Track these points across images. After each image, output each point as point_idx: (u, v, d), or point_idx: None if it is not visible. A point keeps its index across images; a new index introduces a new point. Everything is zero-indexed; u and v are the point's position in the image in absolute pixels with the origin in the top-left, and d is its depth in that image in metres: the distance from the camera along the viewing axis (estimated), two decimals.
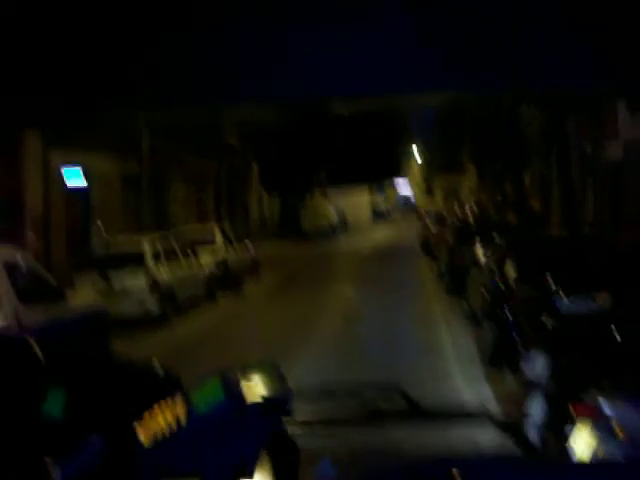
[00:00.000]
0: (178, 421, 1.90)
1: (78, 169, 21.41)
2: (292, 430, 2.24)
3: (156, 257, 16.34)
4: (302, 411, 2.48)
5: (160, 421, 1.93)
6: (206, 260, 19.50)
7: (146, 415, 2.01)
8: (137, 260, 16.03)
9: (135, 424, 2.00)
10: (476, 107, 33.00)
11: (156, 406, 2.02)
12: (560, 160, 22.88)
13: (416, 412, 2.61)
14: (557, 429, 6.07)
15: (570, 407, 5.59)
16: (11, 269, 9.81)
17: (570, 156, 22.74)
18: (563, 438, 5.77)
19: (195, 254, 18.75)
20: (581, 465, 2.67)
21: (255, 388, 1.90)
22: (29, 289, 10.14)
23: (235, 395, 1.86)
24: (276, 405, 1.88)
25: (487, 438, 4.54)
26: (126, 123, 19.63)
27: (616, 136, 19.75)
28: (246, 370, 2.03)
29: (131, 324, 14.87)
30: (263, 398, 1.86)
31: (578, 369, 6.50)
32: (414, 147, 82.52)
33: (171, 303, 16.33)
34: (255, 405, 1.85)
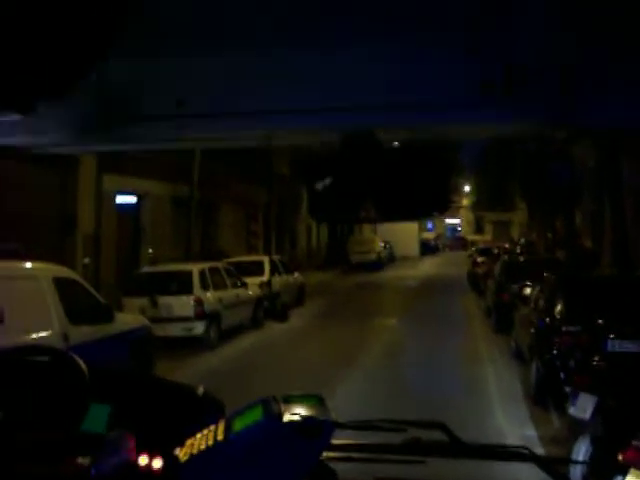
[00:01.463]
0: (219, 447, 1.88)
1: (130, 193, 21.83)
2: (328, 456, 2.20)
3: (204, 285, 16.46)
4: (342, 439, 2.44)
5: (201, 446, 1.92)
6: (253, 288, 19.61)
7: (187, 439, 2.00)
8: (185, 285, 16.16)
9: (176, 448, 1.99)
10: (527, 141, 32.78)
11: (198, 431, 2.01)
12: (612, 198, 22.57)
13: (458, 447, 2.55)
14: (605, 475, 5.92)
15: (619, 452, 5.45)
16: (61, 287, 9.94)
17: (623, 194, 22.42)
18: None
19: (243, 283, 18.85)
20: None
21: (297, 417, 1.88)
22: (78, 308, 10.25)
23: (277, 423, 1.85)
24: (318, 433, 1.86)
25: (529, 478, 4.43)
26: (177, 148, 19.93)
27: None
28: (289, 399, 2.01)
29: (176, 347, 14.97)
30: (305, 427, 1.84)
31: (627, 412, 6.35)
32: (464, 181, 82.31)
33: (216, 328, 16.42)
34: (297, 434, 1.83)
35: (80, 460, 2.02)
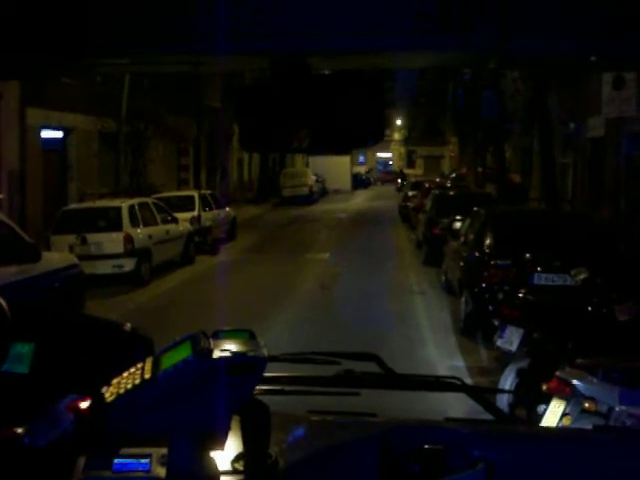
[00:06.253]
0: (146, 386, 1.83)
1: (56, 128, 21.19)
2: (261, 389, 2.18)
3: (134, 221, 16.22)
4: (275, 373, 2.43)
5: (127, 386, 1.86)
6: (184, 224, 19.42)
7: (114, 378, 1.95)
8: (114, 222, 15.90)
9: (103, 387, 1.93)
10: (461, 74, 32.88)
11: (125, 369, 1.95)
12: (542, 134, 22.90)
13: (391, 378, 2.56)
14: (529, 404, 6.10)
15: (543, 383, 5.61)
16: None
17: (552, 130, 22.75)
18: (535, 413, 5.80)
19: (173, 218, 18.64)
20: (552, 435, 2.65)
21: (227, 352, 1.84)
22: (2, 248, 9.98)
23: (206, 360, 1.81)
24: (249, 370, 1.82)
25: (459, 406, 4.53)
26: (105, 76, 19.34)
27: (598, 113, 19.76)
28: (218, 334, 1.97)
29: (106, 285, 14.80)
30: (235, 362, 1.81)
31: (552, 343, 6.53)
32: (397, 115, 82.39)
33: (147, 265, 16.26)
34: (227, 369, 1.79)
35: (15, 429, 1.96)
